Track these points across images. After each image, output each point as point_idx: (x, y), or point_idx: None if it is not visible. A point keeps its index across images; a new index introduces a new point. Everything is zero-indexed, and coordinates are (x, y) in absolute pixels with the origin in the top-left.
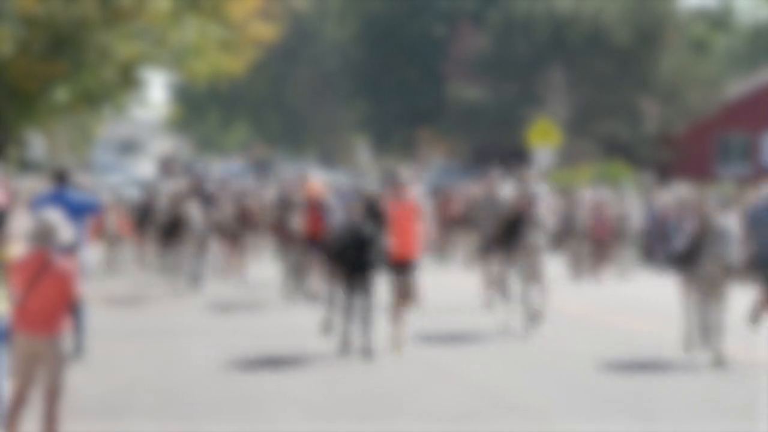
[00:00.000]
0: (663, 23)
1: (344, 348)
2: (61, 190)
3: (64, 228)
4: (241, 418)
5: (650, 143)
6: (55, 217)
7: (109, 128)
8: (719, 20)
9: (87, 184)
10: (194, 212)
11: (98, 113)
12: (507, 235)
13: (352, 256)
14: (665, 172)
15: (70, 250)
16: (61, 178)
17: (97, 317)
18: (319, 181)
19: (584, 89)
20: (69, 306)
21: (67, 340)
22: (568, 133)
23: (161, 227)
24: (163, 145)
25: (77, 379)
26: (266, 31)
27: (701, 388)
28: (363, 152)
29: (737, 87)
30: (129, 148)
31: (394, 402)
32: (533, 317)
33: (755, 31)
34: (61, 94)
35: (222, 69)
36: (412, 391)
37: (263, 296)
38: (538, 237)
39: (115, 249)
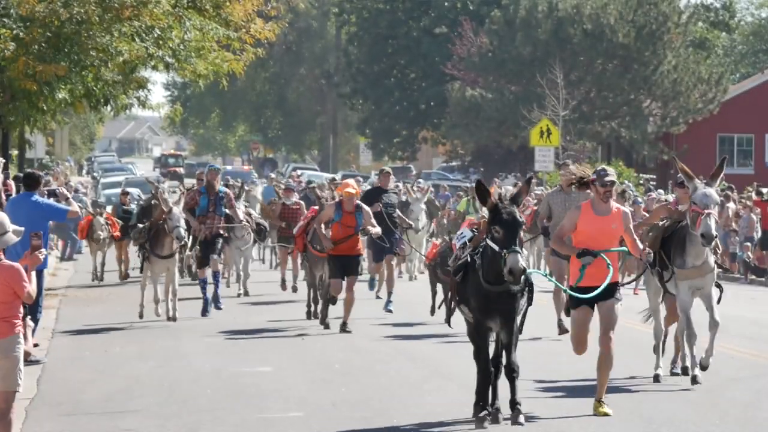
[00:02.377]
0: (664, 23)
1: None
2: (28, 194)
3: (9, 231)
4: (241, 418)
5: (651, 143)
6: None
7: (109, 128)
8: (720, 19)
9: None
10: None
11: (99, 113)
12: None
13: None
14: (666, 173)
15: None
16: (28, 182)
17: (97, 317)
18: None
19: (585, 89)
20: (25, 307)
21: (27, 341)
22: (568, 133)
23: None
24: (163, 145)
25: (77, 380)
26: (267, 31)
27: None
28: (364, 152)
29: (738, 86)
30: (129, 148)
31: (394, 402)
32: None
33: (756, 30)
34: (62, 94)
35: (223, 69)
36: (413, 391)
37: (263, 296)
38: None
39: (103, 252)
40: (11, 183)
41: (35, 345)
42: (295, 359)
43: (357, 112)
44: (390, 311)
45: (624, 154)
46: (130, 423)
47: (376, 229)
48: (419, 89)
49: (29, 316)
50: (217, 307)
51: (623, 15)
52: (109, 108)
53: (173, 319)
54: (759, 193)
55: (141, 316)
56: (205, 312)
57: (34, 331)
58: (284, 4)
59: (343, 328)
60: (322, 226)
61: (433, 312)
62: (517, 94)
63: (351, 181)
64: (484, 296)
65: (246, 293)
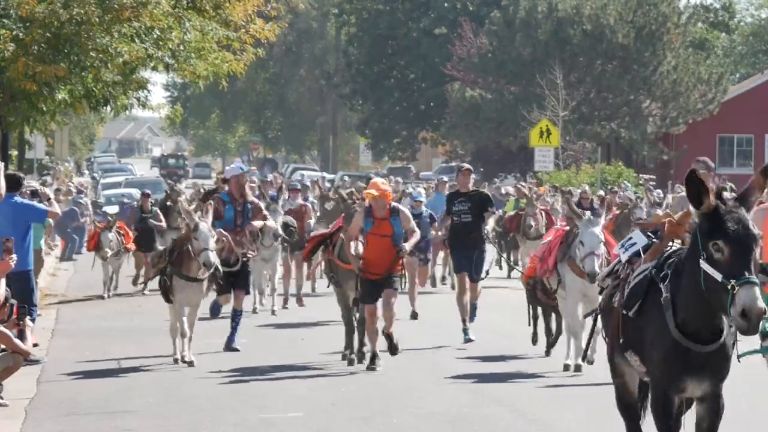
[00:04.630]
0: (663, 23)
1: None
2: (9, 195)
3: None
4: (241, 417)
5: (651, 143)
6: None
7: (109, 129)
8: (720, 20)
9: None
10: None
11: (99, 114)
12: None
13: None
14: (665, 173)
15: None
16: (9, 184)
17: (96, 319)
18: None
19: (584, 90)
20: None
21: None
22: (568, 133)
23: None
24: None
25: (76, 380)
26: (267, 32)
27: None
28: (363, 153)
29: (738, 87)
30: (129, 148)
31: (394, 402)
32: None
33: (756, 30)
34: (62, 95)
35: (223, 70)
36: (413, 391)
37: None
38: None
39: (115, 266)
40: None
41: (35, 345)
42: (295, 359)
43: (357, 112)
44: (470, 339)
45: (624, 155)
46: (130, 423)
47: (412, 241)
48: (419, 90)
49: (27, 316)
50: (233, 349)
51: (623, 16)
52: (108, 109)
53: (191, 363)
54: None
55: (176, 362)
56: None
57: (31, 330)
58: (284, 4)
59: (389, 344)
60: (353, 243)
61: (535, 341)
62: (516, 95)
63: (378, 179)
64: (679, 350)
65: (273, 312)
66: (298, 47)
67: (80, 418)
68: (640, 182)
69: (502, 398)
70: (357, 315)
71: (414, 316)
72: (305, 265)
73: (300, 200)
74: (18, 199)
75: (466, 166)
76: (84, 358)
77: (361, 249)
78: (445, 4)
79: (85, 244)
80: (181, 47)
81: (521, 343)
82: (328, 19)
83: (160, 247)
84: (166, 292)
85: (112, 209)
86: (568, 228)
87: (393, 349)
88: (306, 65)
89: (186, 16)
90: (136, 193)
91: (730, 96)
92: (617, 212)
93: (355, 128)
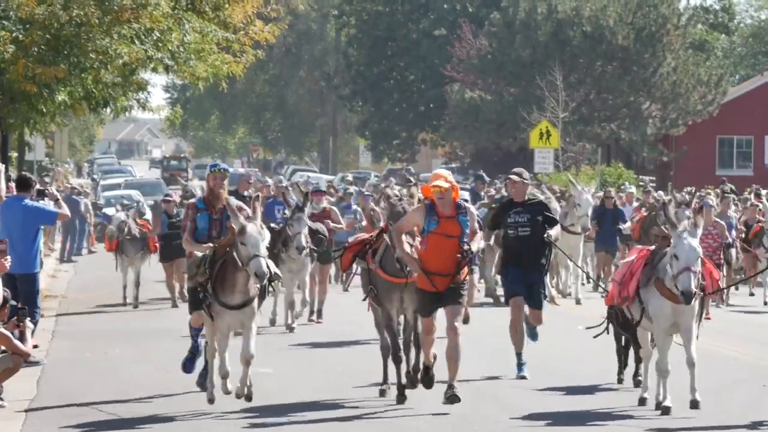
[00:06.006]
0: (663, 25)
1: None
2: (19, 198)
3: None
4: (242, 420)
5: (650, 145)
6: None
7: (108, 130)
8: (719, 21)
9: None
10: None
11: (99, 116)
12: None
13: None
14: (665, 174)
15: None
16: (20, 185)
17: (96, 320)
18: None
19: (584, 91)
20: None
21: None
22: (568, 135)
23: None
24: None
25: (76, 382)
26: (267, 33)
27: None
28: (363, 154)
29: (738, 88)
30: (129, 150)
31: (394, 403)
32: None
33: (755, 32)
34: (61, 97)
35: (222, 71)
36: (413, 391)
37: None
38: None
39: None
40: (12, 186)
41: (35, 346)
42: (297, 361)
43: (356, 114)
44: (524, 377)
45: (623, 156)
46: (130, 425)
47: (478, 242)
48: (418, 91)
49: (28, 318)
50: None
51: (623, 17)
52: (108, 110)
53: (249, 397)
54: (758, 195)
55: (211, 402)
56: (187, 368)
57: (33, 332)
58: (284, 6)
59: (451, 394)
60: (405, 238)
61: (620, 378)
62: (516, 96)
63: (443, 171)
64: None
65: (291, 328)
66: (298, 49)
67: (80, 419)
68: (640, 183)
69: (502, 398)
70: (402, 328)
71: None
72: (328, 277)
73: (325, 203)
74: (28, 201)
75: (524, 172)
76: (84, 359)
77: (414, 253)
78: (445, 6)
79: (87, 243)
80: (181, 49)
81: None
82: (327, 20)
83: (199, 253)
84: (208, 307)
85: (111, 211)
86: (653, 247)
87: (427, 381)
88: (306, 67)
89: (185, 17)
90: (135, 194)
91: (729, 97)
92: (644, 214)
93: (355, 130)
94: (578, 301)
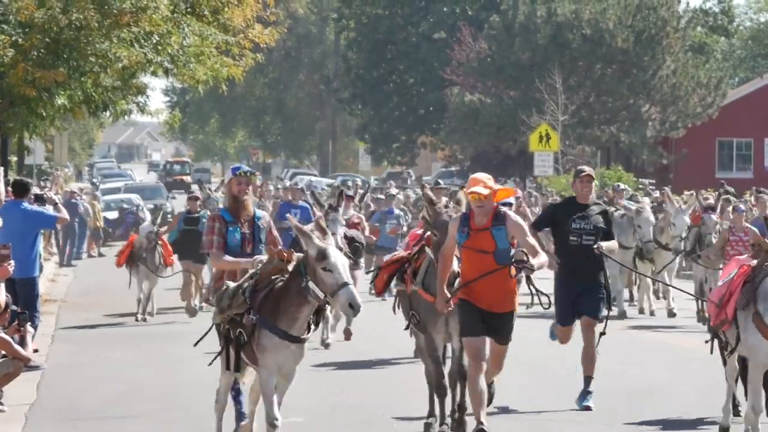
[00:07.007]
0: (663, 28)
1: None
2: (17, 202)
3: None
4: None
5: (650, 147)
6: None
7: (108, 134)
8: (719, 24)
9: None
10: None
11: (98, 119)
12: None
13: None
14: (665, 177)
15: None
16: (16, 190)
17: (96, 323)
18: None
19: (584, 94)
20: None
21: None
22: (567, 137)
23: None
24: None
25: (76, 386)
26: (266, 37)
27: None
28: (363, 157)
29: (737, 91)
30: (128, 153)
31: (395, 407)
32: None
33: (755, 34)
34: (61, 100)
35: (222, 74)
36: (413, 394)
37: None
38: None
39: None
40: (10, 190)
41: (35, 350)
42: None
43: (356, 117)
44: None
45: (623, 159)
46: (131, 429)
47: (539, 260)
48: (418, 94)
49: (29, 322)
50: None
51: (622, 20)
52: (108, 114)
53: None
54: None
55: None
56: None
57: (33, 336)
58: (283, 9)
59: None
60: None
61: (736, 412)
62: (516, 99)
63: (482, 175)
64: None
65: (326, 344)
66: (297, 52)
67: (80, 423)
68: (640, 186)
69: (501, 398)
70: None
71: None
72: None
73: (352, 210)
74: (27, 205)
75: (588, 170)
76: (84, 363)
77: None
78: (444, 9)
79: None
80: (180, 52)
81: (527, 346)
82: (327, 23)
83: (231, 283)
84: (237, 351)
85: (112, 215)
86: (755, 262)
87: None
88: (305, 70)
89: (185, 21)
90: (135, 198)
91: (729, 100)
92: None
93: (355, 133)
94: (671, 313)
